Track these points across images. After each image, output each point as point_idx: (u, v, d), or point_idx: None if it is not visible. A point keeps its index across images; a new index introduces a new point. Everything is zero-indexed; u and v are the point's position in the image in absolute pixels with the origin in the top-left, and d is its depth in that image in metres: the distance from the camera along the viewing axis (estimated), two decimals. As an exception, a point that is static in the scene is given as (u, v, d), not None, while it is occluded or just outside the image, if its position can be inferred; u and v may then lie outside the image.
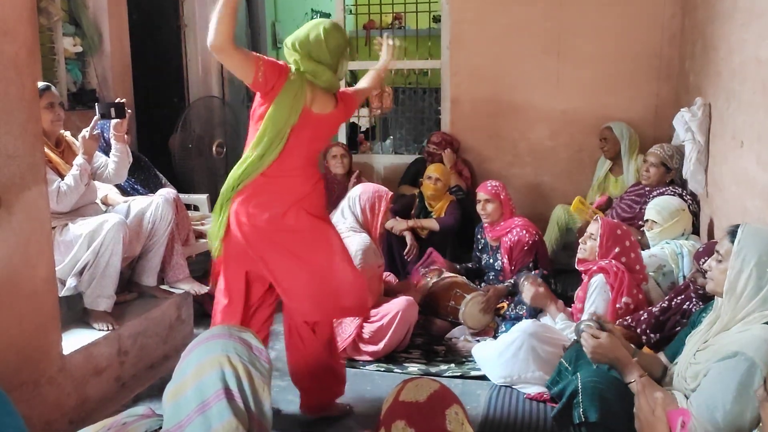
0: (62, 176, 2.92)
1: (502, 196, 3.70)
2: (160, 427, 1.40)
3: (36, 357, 2.46)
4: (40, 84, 2.87)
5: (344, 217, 3.39)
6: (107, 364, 2.87)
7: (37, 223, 2.43)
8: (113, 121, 3.10)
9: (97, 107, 3.05)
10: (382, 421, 1.48)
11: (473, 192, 4.87)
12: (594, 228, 2.92)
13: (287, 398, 2.88)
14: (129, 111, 3.16)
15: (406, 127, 6.28)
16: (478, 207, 3.74)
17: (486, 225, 3.79)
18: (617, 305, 2.73)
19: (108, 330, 2.90)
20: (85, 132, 2.95)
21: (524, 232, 3.64)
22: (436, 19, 5.75)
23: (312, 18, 8.07)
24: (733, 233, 1.86)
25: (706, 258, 2.31)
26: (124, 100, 3.11)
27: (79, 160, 2.93)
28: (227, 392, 1.33)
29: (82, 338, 2.81)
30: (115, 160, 3.18)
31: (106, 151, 3.26)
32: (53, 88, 3.01)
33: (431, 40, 5.38)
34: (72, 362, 2.66)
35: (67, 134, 3.17)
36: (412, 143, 6.24)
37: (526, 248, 3.62)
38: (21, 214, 2.34)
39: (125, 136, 3.19)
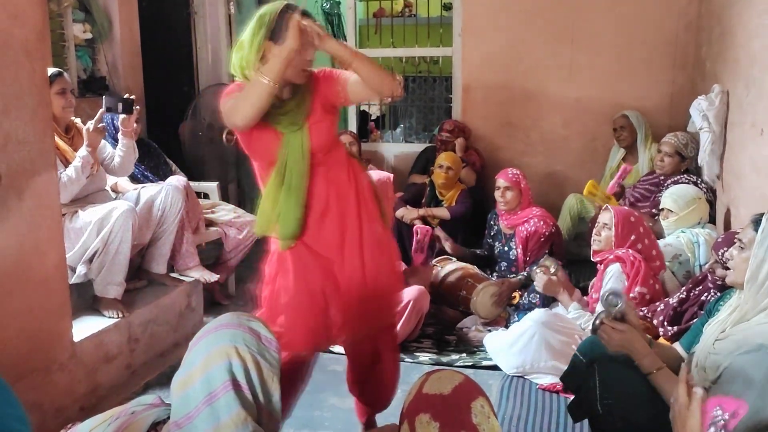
0: (70, 163, 2.91)
1: (522, 185, 3.67)
2: (169, 417, 1.38)
3: (47, 344, 2.46)
4: (53, 70, 2.86)
5: None
6: (118, 351, 2.87)
7: (48, 210, 2.42)
8: (120, 116, 3.08)
9: (103, 100, 3.03)
10: (405, 414, 1.44)
11: (484, 181, 4.86)
12: (607, 217, 2.88)
13: (298, 387, 2.87)
14: (137, 108, 3.12)
15: (416, 115, 6.24)
16: (497, 194, 3.70)
17: (502, 212, 3.74)
18: (631, 295, 2.69)
19: (118, 317, 2.89)
20: (90, 124, 2.93)
21: (541, 222, 3.60)
22: (447, 7, 5.69)
23: (323, 5, 8.01)
24: (757, 221, 1.81)
25: (725, 248, 2.27)
26: (133, 97, 3.09)
27: (82, 152, 2.91)
28: (235, 383, 1.31)
29: (92, 325, 2.81)
30: (121, 155, 3.17)
31: (116, 137, 3.24)
32: (65, 74, 3.00)
33: (442, 28, 5.32)
34: (82, 349, 2.66)
35: (78, 121, 3.15)
36: (423, 132, 6.19)
37: (542, 239, 3.58)
38: (31, 201, 2.32)
39: (135, 125, 3.17)
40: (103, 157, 3.16)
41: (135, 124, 3.17)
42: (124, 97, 3.07)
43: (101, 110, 2.98)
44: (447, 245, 3.85)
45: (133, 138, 3.19)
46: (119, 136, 3.16)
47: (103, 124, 2.99)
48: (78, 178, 2.88)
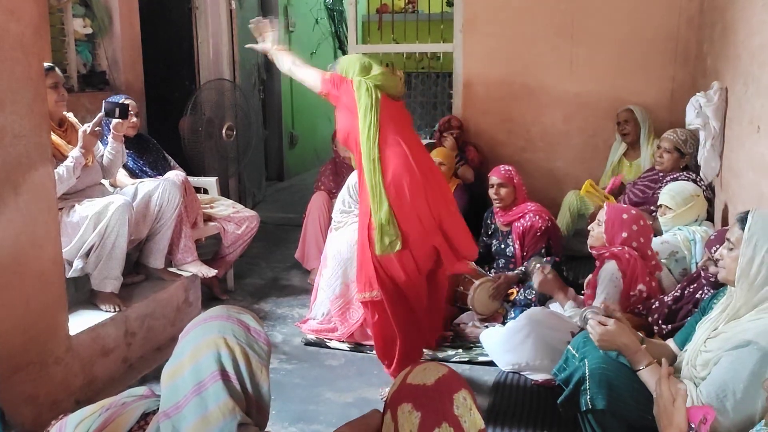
0: (64, 157, 2.92)
1: (515, 180, 3.66)
2: (159, 408, 1.39)
3: (43, 337, 2.47)
4: (44, 64, 2.87)
5: (345, 206, 3.35)
6: (114, 345, 2.89)
7: (44, 204, 2.43)
8: (114, 120, 3.10)
9: (103, 105, 3.07)
10: (389, 404, 1.47)
11: (484, 177, 4.85)
12: (602, 213, 2.88)
13: (293, 381, 2.89)
14: (132, 113, 3.24)
15: (419, 111, 6.25)
16: (491, 191, 3.69)
17: (497, 209, 3.74)
18: (631, 293, 2.68)
19: (115, 311, 2.91)
20: (87, 127, 2.94)
21: (537, 217, 3.59)
22: (449, 3, 5.68)
23: (325, 2, 8.02)
24: (743, 220, 1.81)
25: (717, 246, 2.26)
26: (129, 103, 3.12)
27: (75, 153, 2.92)
28: (223, 374, 1.32)
29: (89, 319, 2.82)
30: (110, 158, 3.20)
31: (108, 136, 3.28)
32: (57, 68, 3.00)
33: (444, 24, 5.32)
34: (79, 343, 2.68)
35: (70, 115, 3.17)
36: (425, 128, 6.20)
37: (538, 234, 3.57)
38: (27, 195, 2.33)
39: (130, 128, 3.21)
40: (95, 155, 3.18)
41: (131, 124, 3.21)
42: (121, 101, 3.10)
43: (100, 114, 3.00)
44: None
45: (122, 141, 3.23)
46: (109, 138, 3.18)
47: (99, 128, 3.00)
48: (69, 178, 2.89)
